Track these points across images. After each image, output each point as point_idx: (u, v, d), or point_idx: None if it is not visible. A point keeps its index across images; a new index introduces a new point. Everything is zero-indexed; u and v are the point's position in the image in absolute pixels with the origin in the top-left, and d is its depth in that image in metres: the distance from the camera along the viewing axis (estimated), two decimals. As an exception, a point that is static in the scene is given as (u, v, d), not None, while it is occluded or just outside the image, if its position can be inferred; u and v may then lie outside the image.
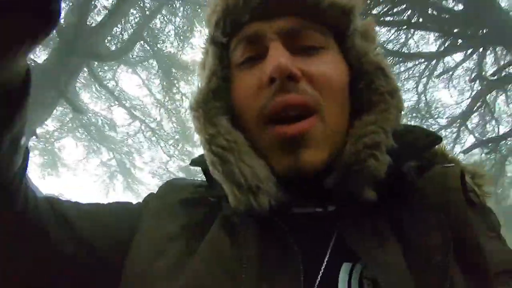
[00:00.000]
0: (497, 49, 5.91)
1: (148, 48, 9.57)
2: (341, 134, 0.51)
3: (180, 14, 9.44)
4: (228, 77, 0.54)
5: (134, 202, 0.62)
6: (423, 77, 6.70)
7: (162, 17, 9.28)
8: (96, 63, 8.54)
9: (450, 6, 5.56)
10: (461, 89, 7.18)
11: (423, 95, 6.98)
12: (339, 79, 0.51)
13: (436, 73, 6.54)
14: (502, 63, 5.83)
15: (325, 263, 0.44)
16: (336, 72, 0.52)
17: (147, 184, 13.00)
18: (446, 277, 0.40)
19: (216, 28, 0.54)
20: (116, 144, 11.75)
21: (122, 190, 12.39)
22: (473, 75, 5.94)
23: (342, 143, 0.50)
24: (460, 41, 5.57)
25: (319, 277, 0.43)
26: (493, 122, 6.75)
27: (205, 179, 0.59)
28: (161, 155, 11.90)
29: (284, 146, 0.48)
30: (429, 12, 5.37)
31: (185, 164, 12.31)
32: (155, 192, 0.62)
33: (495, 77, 5.55)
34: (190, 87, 11.01)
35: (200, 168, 0.58)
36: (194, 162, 0.60)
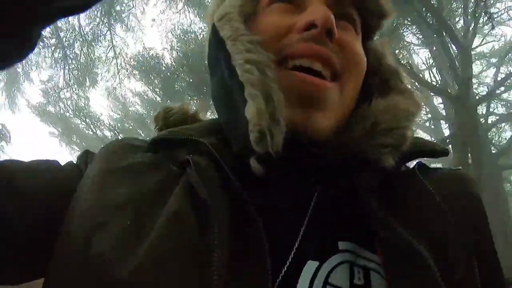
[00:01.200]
0: None
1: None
2: (349, 111, 0.48)
3: None
4: (254, 13, 0.50)
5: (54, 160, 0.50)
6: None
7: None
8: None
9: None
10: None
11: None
12: (364, 61, 0.50)
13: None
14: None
15: (291, 258, 0.39)
16: (363, 55, 0.50)
17: (28, 96, 12.50)
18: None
19: None
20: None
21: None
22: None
23: (345, 124, 0.47)
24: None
25: (280, 276, 0.37)
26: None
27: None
28: (60, 80, 11.57)
29: (300, 96, 0.43)
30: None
31: (76, 100, 12.24)
32: (90, 150, 0.53)
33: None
34: (122, 38, 11.15)
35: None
36: (158, 140, 0.49)
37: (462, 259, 0.39)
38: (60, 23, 10.09)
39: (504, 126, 9.57)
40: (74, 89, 11.88)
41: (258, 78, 0.41)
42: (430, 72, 9.51)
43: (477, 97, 7.91)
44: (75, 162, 0.51)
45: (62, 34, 10.28)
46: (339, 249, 0.40)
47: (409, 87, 0.51)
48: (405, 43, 8.84)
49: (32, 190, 0.43)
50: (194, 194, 0.39)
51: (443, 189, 0.44)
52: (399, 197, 0.44)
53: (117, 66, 11.31)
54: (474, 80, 9.50)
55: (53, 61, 10.83)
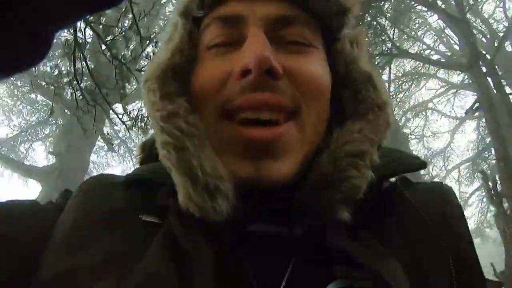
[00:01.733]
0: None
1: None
2: (316, 144, 0.45)
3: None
4: (193, 58, 0.46)
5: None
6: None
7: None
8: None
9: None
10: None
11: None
12: (325, 82, 0.45)
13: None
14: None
15: None
16: (323, 74, 0.45)
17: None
18: None
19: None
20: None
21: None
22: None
23: (315, 155, 0.44)
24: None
25: None
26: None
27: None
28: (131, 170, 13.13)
29: (247, 152, 0.40)
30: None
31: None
32: (69, 190, 0.50)
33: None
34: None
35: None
36: (135, 177, 0.47)
37: (442, 279, 0.40)
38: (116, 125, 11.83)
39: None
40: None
41: (177, 160, 0.40)
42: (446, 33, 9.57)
43: (501, 34, 7.87)
44: (55, 202, 0.49)
45: (121, 134, 11.99)
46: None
47: (384, 94, 0.47)
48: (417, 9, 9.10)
49: (12, 231, 0.40)
50: (175, 243, 0.38)
51: (424, 201, 0.45)
52: (379, 222, 0.43)
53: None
54: (491, 21, 9.44)
55: (120, 157, 12.61)
